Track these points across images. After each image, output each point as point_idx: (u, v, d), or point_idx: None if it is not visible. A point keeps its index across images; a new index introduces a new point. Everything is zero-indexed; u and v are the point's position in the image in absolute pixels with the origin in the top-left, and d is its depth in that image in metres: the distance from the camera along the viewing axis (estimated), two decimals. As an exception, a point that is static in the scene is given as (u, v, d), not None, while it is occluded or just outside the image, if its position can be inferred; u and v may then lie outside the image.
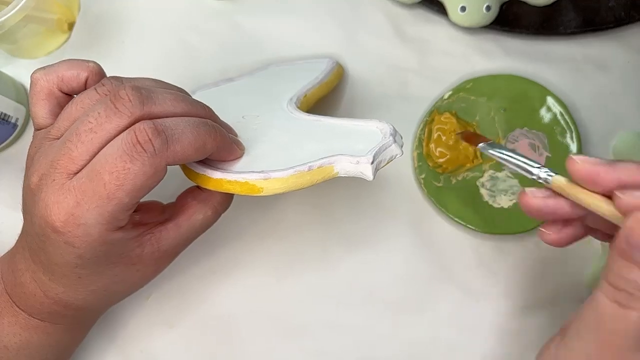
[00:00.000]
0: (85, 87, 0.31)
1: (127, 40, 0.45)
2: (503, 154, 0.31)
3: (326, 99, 0.41)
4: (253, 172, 0.30)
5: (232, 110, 0.35)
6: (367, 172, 0.28)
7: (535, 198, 0.28)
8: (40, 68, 0.31)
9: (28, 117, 0.44)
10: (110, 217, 0.27)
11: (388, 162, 0.29)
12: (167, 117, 0.28)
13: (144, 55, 0.45)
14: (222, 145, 0.30)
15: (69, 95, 0.32)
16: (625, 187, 0.25)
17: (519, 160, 0.30)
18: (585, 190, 0.26)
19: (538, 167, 0.29)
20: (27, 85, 0.45)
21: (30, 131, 0.44)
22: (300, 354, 0.40)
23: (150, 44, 0.45)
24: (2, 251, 0.35)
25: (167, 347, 0.41)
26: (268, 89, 0.39)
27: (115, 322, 0.41)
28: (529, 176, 0.29)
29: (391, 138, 0.29)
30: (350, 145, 0.30)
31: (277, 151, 0.32)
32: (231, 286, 0.41)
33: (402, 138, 0.30)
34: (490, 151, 0.32)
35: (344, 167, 0.29)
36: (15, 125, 0.43)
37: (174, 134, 0.27)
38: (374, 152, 0.28)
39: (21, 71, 0.45)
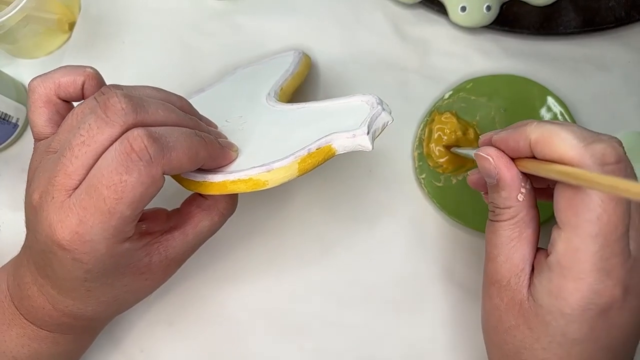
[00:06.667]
0: (82, 92, 0.30)
1: (128, 40, 0.45)
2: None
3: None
4: (254, 167, 0.29)
5: (213, 119, 0.34)
6: (365, 142, 0.28)
7: (472, 175, 0.34)
8: (38, 76, 0.31)
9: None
10: (115, 231, 0.27)
11: (382, 130, 0.30)
12: (158, 126, 0.27)
13: (145, 55, 0.45)
14: (214, 153, 0.30)
15: (68, 102, 0.31)
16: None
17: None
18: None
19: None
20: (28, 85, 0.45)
21: (31, 131, 0.44)
22: (300, 353, 0.40)
23: (151, 44, 0.45)
24: (3, 250, 0.35)
25: (167, 346, 0.41)
26: (242, 91, 0.39)
27: (116, 321, 0.41)
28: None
29: (379, 107, 0.29)
30: (341, 122, 0.30)
31: (271, 144, 0.31)
32: (232, 285, 0.41)
33: (389, 106, 0.30)
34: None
35: (342, 143, 0.29)
36: (15, 125, 0.43)
37: (168, 142, 0.27)
38: (367, 122, 0.29)
39: (22, 71, 0.45)
